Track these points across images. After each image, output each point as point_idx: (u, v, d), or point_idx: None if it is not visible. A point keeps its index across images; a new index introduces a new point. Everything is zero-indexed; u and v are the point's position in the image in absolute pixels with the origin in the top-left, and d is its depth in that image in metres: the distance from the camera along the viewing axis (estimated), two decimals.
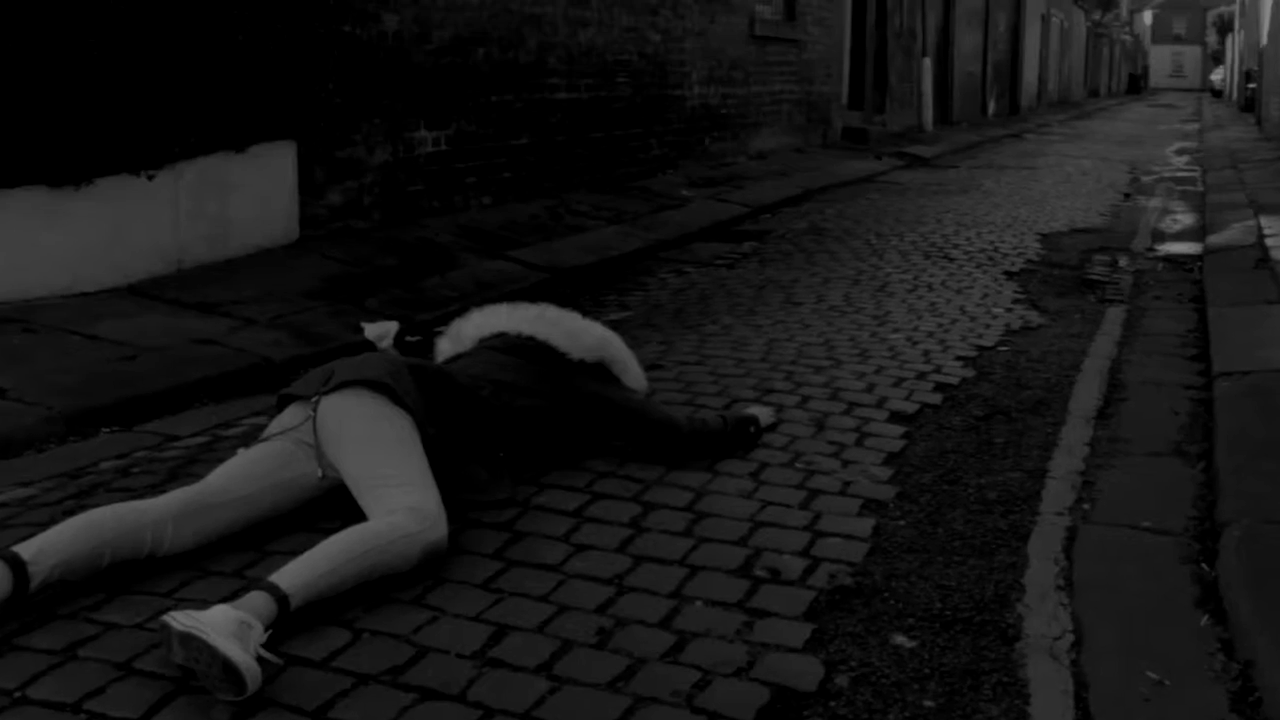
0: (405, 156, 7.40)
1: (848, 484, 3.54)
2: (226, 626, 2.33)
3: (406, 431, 3.05)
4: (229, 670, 2.26)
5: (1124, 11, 64.17)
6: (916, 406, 4.34)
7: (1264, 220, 8.60)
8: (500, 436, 3.41)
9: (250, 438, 3.54)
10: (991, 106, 27.21)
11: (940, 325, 5.72)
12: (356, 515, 2.90)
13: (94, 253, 5.39)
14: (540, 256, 7.14)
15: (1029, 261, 7.66)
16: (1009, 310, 6.11)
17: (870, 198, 11.21)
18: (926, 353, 5.15)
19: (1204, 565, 2.98)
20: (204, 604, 2.49)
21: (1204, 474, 3.64)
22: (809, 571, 2.93)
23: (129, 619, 2.60)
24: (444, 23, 7.63)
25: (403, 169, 7.39)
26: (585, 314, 4.01)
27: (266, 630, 2.41)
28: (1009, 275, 7.14)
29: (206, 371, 4.52)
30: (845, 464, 3.70)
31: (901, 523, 3.27)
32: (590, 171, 9.60)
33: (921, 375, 4.75)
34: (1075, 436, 4.03)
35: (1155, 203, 11.22)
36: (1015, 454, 3.86)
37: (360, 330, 4.57)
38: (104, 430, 4.00)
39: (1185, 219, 10.02)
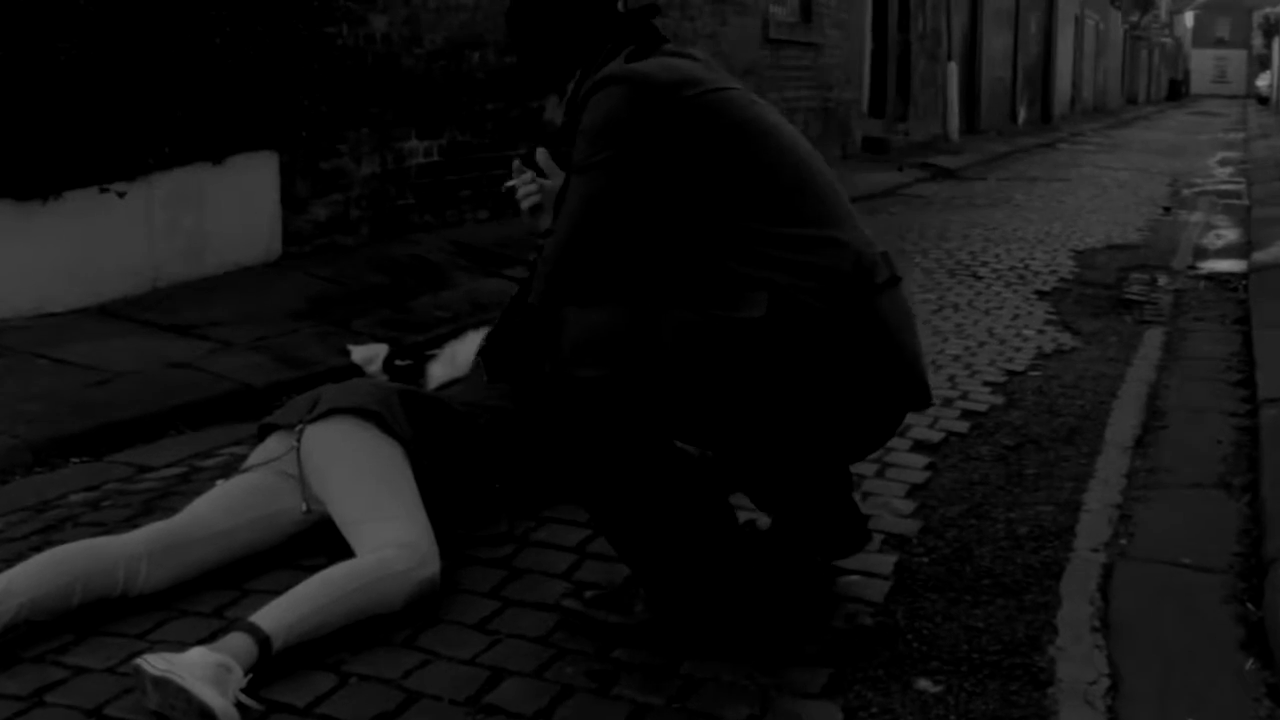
0: (395, 168, 7.44)
1: (868, 518, 3.53)
2: (204, 670, 2.34)
3: (397, 462, 3.06)
4: (206, 717, 2.27)
5: (1163, 13, 64.37)
6: (942, 435, 4.36)
7: None
8: (497, 467, 3.42)
9: (229, 469, 3.55)
10: (1022, 114, 27.29)
11: (967, 348, 5.73)
12: (343, 551, 2.91)
13: (63, 271, 5.42)
14: (532, 280, 7.14)
15: (1062, 280, 7.68)
16: (1040, 332, 6.12)
17: (892, 212, 11.24)
18: (952, 378, 5.16)
19: (1249, 605, 2.98)
20: (180, 646, 2.50)
21: (1249, 507, 3.64)
22: (827, 611, 2.94)
23: (100, 662, 2.61)
24: (436, 25, 7.69)
25: (392, 181, 7.43)
26: None
27: (247, 674, 2.42)
28: (1040, 295, 7.16)
29: (182, 398, 4.54)
30: (865, 496, 3.71)
31: (925, 559, 3.27)
32: None
33: (947, 402, 4.76)
34: (1112, 467, 4.04)
35: (1197, 217, 11.25)
36: (1047, 486, 3.86)
37: (347, 354, 4.58)
38: (73, 460, 4.01)
39: (1229, 234, 10.05)
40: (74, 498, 3.66)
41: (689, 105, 2.61)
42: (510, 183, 3.05)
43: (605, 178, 2.59)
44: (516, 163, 3.05)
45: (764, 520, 3.24)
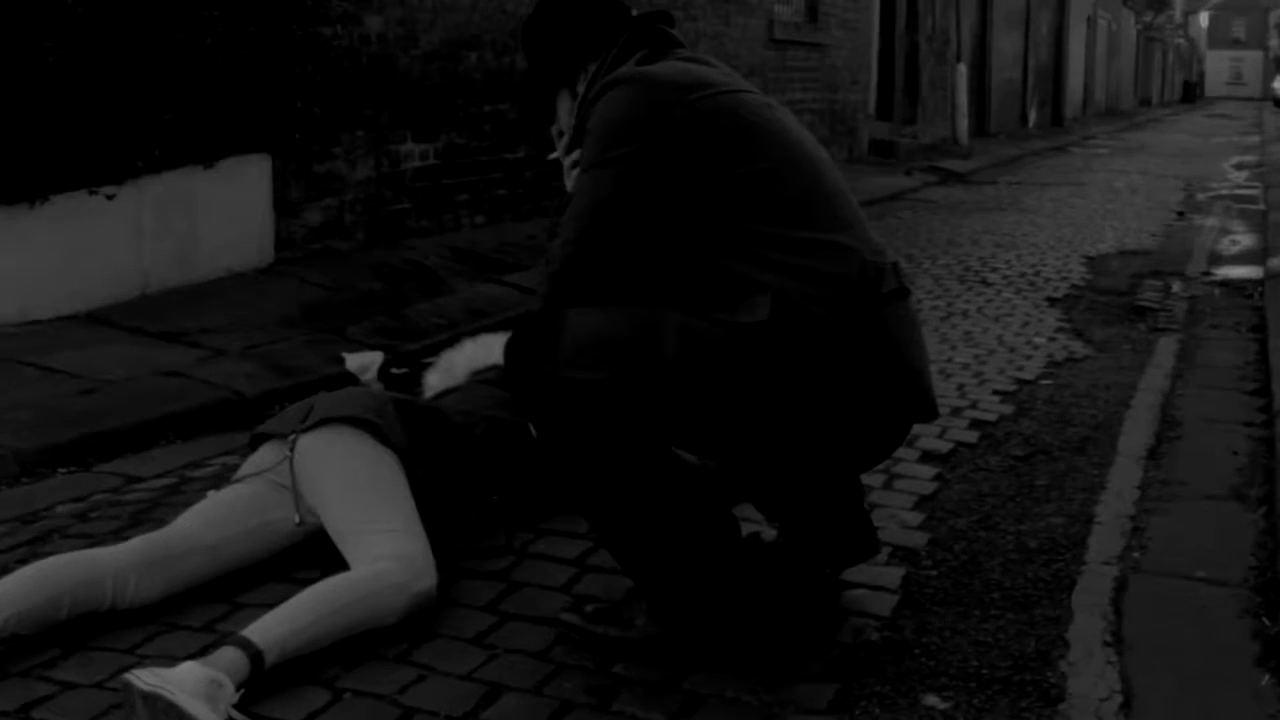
0: (390, 171, 7.45)
1: (875, 530, 3.54)
2: (195, 686, 2.34)
3: (392, 473, 3.06)
4: None
5: (1178, 13, 64.47)
6: (950, 445, 4.36)
7: None
8: (495, 478, 3.42)
9: (221, 479, 3.56)
10: (1032, 117, 27.31)
11: (976, 357, 5.74)
12: (337, 564, 2.92)
13: (50, 277, 5.42)
14: (538, 281, 7.16)
15: (1074, 286, 7.69)
16: (1052, 340, 6.13)
17: (900, 216, 11.26)
18: (961, 386, 5.17)
19: (1265, 619, 2.99)
20: (170, 661, 2.50)
21: (1265, 519, 3.64)
22: (833, 626, 2.94)
23: (88, 677, 2.61)
24: (432, 25, 7.70)
25: (388, 185, 7.44)
26: None
27: (238, 689, 2.42)
28: (1052, 302, 7.17)
29: (172, 407, 4.55)
30: (873, 508, 3.71)
31: (934, 573, 3.28)
32: None
33: (956, 411, 4.77)
34: (1124, 478, 4.04)
35: (1212, 222, 11.27)
36: (1058, 497, 3.87)
37: (341, 362, 4.60)
38: (60, 471, 4.02)
39: (1245, 240, 10.06)
40: (62, 509, 3.66)
41: (698, 107, 2.62)
42: (554, 154, 3.04)
43: (613, 178, 2.60)
44: (554, 128, 3.03)
45: (769, 533, 3.25)
